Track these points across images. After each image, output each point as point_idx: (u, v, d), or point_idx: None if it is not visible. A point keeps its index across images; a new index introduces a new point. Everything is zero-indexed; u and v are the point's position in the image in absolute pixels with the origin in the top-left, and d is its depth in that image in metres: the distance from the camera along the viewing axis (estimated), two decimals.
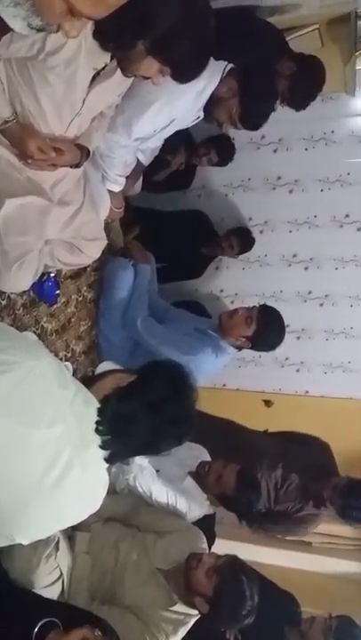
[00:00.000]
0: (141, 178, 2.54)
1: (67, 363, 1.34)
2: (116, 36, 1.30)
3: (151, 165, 2.40)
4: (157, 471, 2.07)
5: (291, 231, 3.36)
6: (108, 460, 1.20)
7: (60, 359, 2.22)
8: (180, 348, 2.37)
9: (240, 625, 1.84)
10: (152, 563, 1.85)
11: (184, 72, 1.42)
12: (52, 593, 1.66)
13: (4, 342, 1.16)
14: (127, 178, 2.25)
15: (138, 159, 2.26)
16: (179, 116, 2.04)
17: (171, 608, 1.77)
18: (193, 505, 2.12)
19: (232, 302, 3.46)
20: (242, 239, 3.17)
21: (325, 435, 3.12)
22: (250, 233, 3.25)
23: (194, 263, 3.32)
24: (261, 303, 2.60)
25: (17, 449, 1.05)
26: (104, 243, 2.03)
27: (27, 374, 1.08)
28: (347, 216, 3.27)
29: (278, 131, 3.15)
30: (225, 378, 3.57)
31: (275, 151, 3.27)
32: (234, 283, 3.52)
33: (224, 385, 3.67)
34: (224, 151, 2.93)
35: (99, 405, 1.20)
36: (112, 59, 1.44)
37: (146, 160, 2.31)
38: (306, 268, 3.41)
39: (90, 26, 1.27)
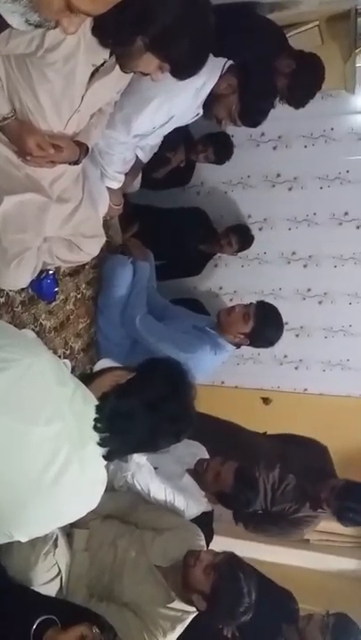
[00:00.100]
0: (140, 175, 2.53)
1: (65, 360, 1.34)
2: (114, 32, 1.29)
3: (150, 162, 2.40)
4: (156, 468, 2.07)
5: (290, 229, 3.36)
6: (106, 457, 1.20)
7: (59, 356, 2.22)
8: (178, 345, 2.37)
9: (238, 622, 1.84)
10: (150, 560, 1.86)
11: (183, 68, 1.42)
12: (51, 590, 1.66)
13: (3, 340, 1.16)
14: (126, 175, 2.24)
15: (137, 156, 2.26)
16: (178, 113, 2.03)
17: (168, 605, 1.78)
18: (191, 502, 2.13)
19: (231, 300, 3.46)
20: (241, 236, 3.16)
21: (324, 432, 3.12)
22: (249, 230, 3.24)
23: (193, 260, 3.32)
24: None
25: (15, 446, 1.05)
26: (103, 240, 2.03)
27: (25, 372, 1.08)
28: (346, 214, 3.27)
29: (278, 128, 3.15)
30: (223, 375, 3.58)
31: (274, 148, 3.26)
32: (233, 280, 3.52)
33: (222, 382, 3.68)
34: (222, 150, 2.92)
35: (97, 403, 1.20)
36: (111, 55, 1.43)
37: (145, 157, 2.31)
38: (305, 266, 3.41)
39: (89, 22, 1.27)
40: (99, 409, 1.19)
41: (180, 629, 1.76)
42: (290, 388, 3.65)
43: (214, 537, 2.27)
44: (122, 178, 2.21)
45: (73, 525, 1.79)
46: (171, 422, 1.25)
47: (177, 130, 2.19)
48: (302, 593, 2.57)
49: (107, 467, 1.23)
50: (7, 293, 1.85)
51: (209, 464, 2.26)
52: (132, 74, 1.54)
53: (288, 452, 2.71)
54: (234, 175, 3.32)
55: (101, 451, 1.18)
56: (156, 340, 2.40)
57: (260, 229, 3.37)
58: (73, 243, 1.87)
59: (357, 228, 3.28)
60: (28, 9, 0.98)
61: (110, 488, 2.00)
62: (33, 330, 2.02)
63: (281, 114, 2.48)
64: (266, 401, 3.66)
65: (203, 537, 2.03)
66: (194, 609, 1.80)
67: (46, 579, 1.65)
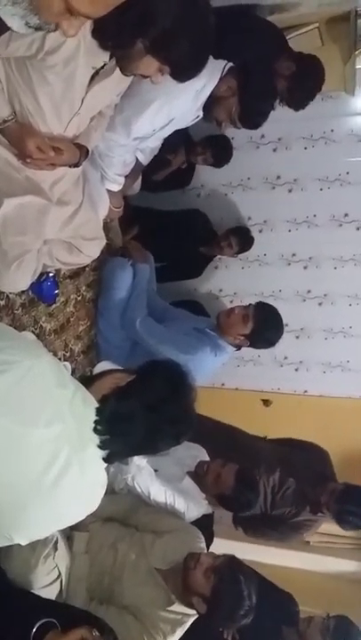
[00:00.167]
0: (140, 177, 2.53)
1: (65, 362, 1.34)
2: (114, 35, 1.29)
3: (150, 165, 2.40)
4: (156, 471, 2.07)
5: (290, 230, 3.36)
6: (106, 459, 1.20)
7: (59, 359, 2.22)
8: (178, 347, 2.37)
9: (238, 625, 1.84)
10: (150, 563, 1.85)
11: (183, 71, 1.42)
12: (51, 593, 1.66)
13: (3, 342, 1.16)
14: (126, 177, 2.24)
15: (137, 159, 2.26)
16: (178, 116, 2.03)
17: (169, 608, 1.77)
18: (191, 505, 2.12)
19: (231, 302, 3.46)
20: (241, 238, 3.16)
21: (324, 434, 3.12)
22: (249, 232, 3.25)
23: (193, 263, 3.32)
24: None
25: (15, 448, 1.05)
26: (103, 242, 2.03)
27: (25, 374, 1.08)
28: (346, 215, 3.27)
29: (278, 130, 3.15)
30: (224, 377, 3.57)
31: (274, 150, 3.26)
32: (233, 282, 3.52)
33: (223, 384, 3.67)
34: (221, 153, 2.92)
35: (97, 405, 1.20)
36: (111, 58, 1.43)
37: (145, 159, 2.31)
38: (305, 268, 3.41)
39: (89, 25, 1.27)
40: (99, 411, 1.19)
41: (180, 632, 1.76)
42: (290, 389, 3.65)
43: (214, 539, 2.27)
44: (122, 180, 2.21)
45: (73, 528, 1.79)
46: (171, 424, 1.25)
47: (177, 132, 2.19)
48: (303, 595, 2.56)
49: (107, 469, 1.23)
50: (7, 296, 1.85)
51: (209, 466, 2.26)
52: (132, 76, 1.54)
53: (288, 457, 2.70)
54: (234, 177, 3.32)
55: (101, 453, 1.18)
56: (156, 341, 2.40)
57: (261, 231, 3.36)
58: (73, 245, 1.87)
59: (357, 229, 3.28)
60: (28, 12, 0.99)
61: (110, 491, 2.00)
62: (33, 332, 2.02)
63: (281, 116, 2.48)
64: (266, 403, 3.66)
65: (203, 539, 2.02)
66: (194, 612, 1.79)
67: (46, 582, 1.64)
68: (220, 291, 3.56)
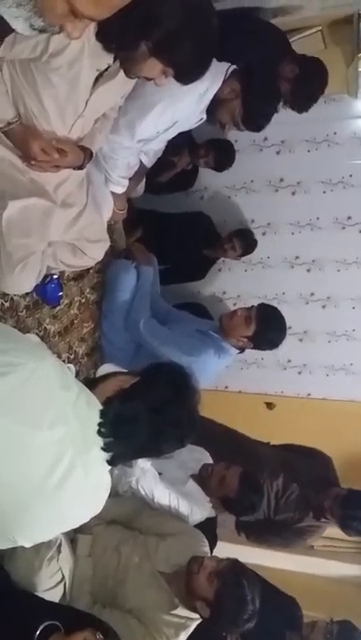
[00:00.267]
0: (144, 179, 2.54)
1: (69, 365, 1.34)
2: (118, 37, 1.30)
3: (154, 167, 2.40)
4: (160, 474, 2.07)
5: (293, 233, 3.36)
6: (110, 462, 1.19)
7: (63, 361, 2.22)
8: (182, 348, 2.37)
9: (241, 629, 1.83)
10: (154, 566, 1.85)
11: (187, 73, 1.42)
12: (54, 596, 1.65)
13: (7, 344, 1.16)
14: (130, 179, 2.24)
15: (141, 161, 2.26)
16: (181, 118, 2.03)
17: (172, 612, 1.77)
18: (195, 507, 2.12)
19: (234, 304, 3.46)
20: (244, 241, 3.16)
21: (327, 437, 3.11)
22: (252, 235, 3.24)
23: (196, 265, 3.32)
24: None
25: (18, 450, 1.05)
26: (107, 244, 2.03)
27: (29, 376, 1.08)
28: (349, 218, 3.26)
29: (281, 132, 3.15)
30: (227, 380, 3.57)
31: (277, 153, 3.27)
32: (236, 285, 3.52)
33: (226, 387, 3.67)
34: (223, 158, 2.92)
35: (101, 407, 1.20)
36: (115, 60, 1.44)
37: (149, 162, 2.31)
38: (308, 270, 3.41)
39: (93, 27, 1.27)
40: (103, 413, 1.18)
41: (183, 636, 1.75)
42: (293, 392, 3.64)
43: (218, 542, 2.26)
44: (126, 182, 2.21)
45: (77, 531, 1.79)
46: (174, 426, 1.24)
47: (180, 134, 2.19)
48: (306, 599, 2.55)
49: (111, 472, 1.23)
50: (12, 298, 1.85)
51: (213, 469, 2.25)
52: (136, 79, 1.54)
53: (291, 462, 2.69)
54: (237, 180, 3.32)
55: (105, 455, 1.18)
56: (159, 343, 2.40)
57: (264, 234, 3.37)
58: (77, 247, 1.87)
59: (360, 232, 3.28)
60: (32, 14, 0.99)
61: (114, 493, 1.99)
62: (37, 334, 2.02)
63: (284, 118, 2.49)
64: (270, 406, 3.65)
65: (207, 543, 2.02)
66: (197, 616, 1.79)
67: (50, 584, 1.64)
68: (224, 293, 3.56)
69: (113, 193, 2.17)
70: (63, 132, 1.54)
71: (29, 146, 1.47)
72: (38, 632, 1.28)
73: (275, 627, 2.24)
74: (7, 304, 1.84)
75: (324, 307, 3.45)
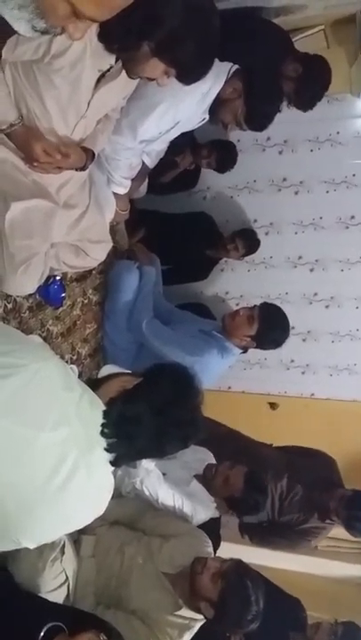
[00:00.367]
0: (146, 180, 2.54)
1: (72, 365, 1.33)
2: (120, 38, 1.30)
3: (157, 168, 2.40)
4: (164, 474, 2.07)
5: (296, 233, 3.36)
6: (113, 462, 1.19)
7: (66, 362, 2.21)
8: (185, 348, 2.37)
9: (245, 630, 1.83)
10: (157, 567, 1.85)
11: (189, 73, 1.42)
12: (58, 597, 1.65)
13: (10, 345, 1.16)
14: (132, 180, 2.24)
15: (143, 162, 2.26)
16: (184, 118, 2.03)
17: (176, 613, 1.76)
18: (199, 508, 2.12)
19: (237, 304, 3.45)
20: (247, 241, 3.16)
21: (331, 437, 3.11)
22: (255, 235, 3.24)
23: (199, 265, 3.32)
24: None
25: (21, 452, 1.05)
26: (109, 245, 2.03)
27: (32, 377, 1.08)
28: (352, 217, 3.26)
29: (284, 132, 3.15)
30: (230, 380, 3.56)
31: (280, 153, 3.26)
32: (239, 285, 3.51)
33: (229, 387, 3.67)
34: (225, 159, 2.92)
35: (104, 408, 1.19)
36: (117, 60, 1.44)
37: (151, 162, 2.31)
38: (311, 270, 3.40)
39: (95, 28, 1.27)
40: (106, 414, 1.18)
41: (187, 637, 1.75)
42: (297, 392, 3.64)
43: (222, 543, 2.26)
44: (128, 183, 2.21)
45: (80, 532, 1.79)
46: (177, 427, 1.24)
47: (182, 134, 2.19)
48: (310, 600, 2.55)
49: (114, 473, 1.22)
50: (15, 299, 1.85)
51: (218, 469, 2.25)
52: (138, 79, 1.55)
53: (295, 463, 2.69)
54: (240, 180, 3.32)
55: (108, 456, 1.17)
56: (162, 343, 2.40)
57: (267, 234, 3.36)
58: (80, 248, 1.87)
59: None
60: (34, 16, 0.98)
61: (117, 494, 1.99)
62: (40, 335, 2.02)
63: (287, 118, 2.48)
64: (273, 406, 3.65)
65: (210, 544, 2.01)
66: (201, 617, 1.78)
67: (54, 586, 1.64)
68: (227, 293, 3.56)
69: (115, 194, 2.17)
70: (65, 133, 1.54)
71: (32, 147, 1.47)
72: (42, 633, 1.28)
73: (279, 627, 2.23)
74: (10, 305, 1.84)
75: (327, 307, 3.44)
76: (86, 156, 1.66)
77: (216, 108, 2.07)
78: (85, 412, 1.15)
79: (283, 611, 2.32)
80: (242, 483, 2.17)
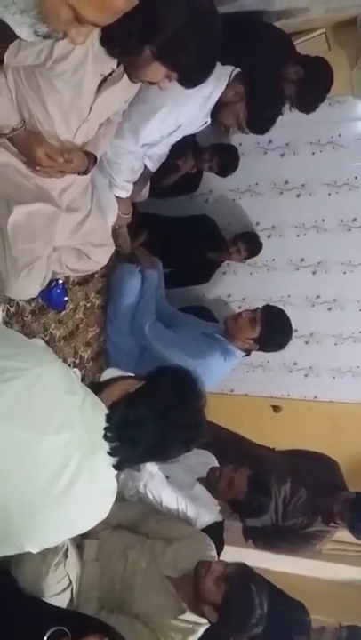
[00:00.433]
0: (149, 184, 2.54)
1: (75, 369, 1.34)
2: (122, 42, 1.30)
3: (159, 171, 2.40)
4: (167, 478, 2.06)
5: (298, 235, 3.35)
6: (116, 466, 1.19)
7: (69, 365, 2.22)
8: (188, 351, 2.37)
9: (249, 634, 1.82)
10: (161, 570, 1.84)
11: (191, 77, 1.43)
12: (61, 601, 1.65)
13: (13, 349, 1.16)
14: (134, 184, 2.25)
15: (145, 165, 2.26)
16: (186, 122, 2.04)
17: (180, 617, 1.76)
18: (203, 511, 2.11)
19: (240, 307, 3.45)
20: (249, 244, 3.16)
21: (334, 439, 3.10)
22: (257, 237, 3.24)
23: (201, 268, 3.31)
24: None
25: (24, 455, 1.05)
26: (112, 249, 2.03)
27: (35, 380, 1.08)
28: (354, 220, 3.25)
29: (285, 135, 3.15)
30: (233, 383, 3.56)
31: (282, 155, 3.26)
32: (241, 288, 3.51)
33: (232, 390, 3.66)
34: (227, 163, 2.92)
35: (107, 411, 1.19)
36: (119, 64, 1.44)
37: (153, 166, 2.31)
38: (314, 273, 3.40)
39: (97, 32, 1.28)
40: (109, 418, 1.18)
41: None
42: (300, 395, 3.63)
43: (225, 546, 2.25)
44: (130, 187, 2.21)
45: (83, 536, 1.79)
46: (180, 430, 1.24)
47: (184, 138, 2.19)
48: (314, 603, 2.54)
49: (117, 476, 1.22)
50: (17, 303, 1.86)
51: (222, 472, 2.25)
52: (139, 83, 1.55)
53: (298, 467, 2.68)
54: (242, 183, 3.32)
55: (111, 460, 1.17)
56: (165, 346, 2.40)
57: (269, 236, 3.36)
58: (82, 252, 1.87)
59: None
60: (36, 20, 0.99)
61: (121, 498, 1.99)
62: (43, 339, 2.02)
63: (288, 121, 2.48)
64: (276, 409, 3.64)
65: (214, 547, 2.01)
66: (205, 620, 1.78)
67: (57, 590, 1.64)
68: (229, 296, 3.55)
69: (117, 197, 2.18)
70: (68, 137, 1.55)
71: (34, 151, 1.48)
72: (46, 638, 1.28)
73: (283, 631, 2.23)
74: (13, 309, 1.84)
75: (329, 309, 3.44)
76: (88, 160, 1.67)
77: (218, 111, 2.08)
78: (88, 416, 1.15)
79: (287, 614, 2.31)
80: (246, 485, 2.17)
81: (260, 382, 3.61)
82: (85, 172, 1.69)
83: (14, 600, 1.52)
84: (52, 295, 2.03)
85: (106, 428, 1.16)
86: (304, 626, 2.42)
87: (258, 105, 2.05)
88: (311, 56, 2.58)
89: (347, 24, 2.92)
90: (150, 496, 2.00)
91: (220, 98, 2.03)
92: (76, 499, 1.10)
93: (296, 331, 2.68)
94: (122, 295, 2.49)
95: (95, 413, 1.17)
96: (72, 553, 1.72)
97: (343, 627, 2.42)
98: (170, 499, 2.03)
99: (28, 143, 1.48)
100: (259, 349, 2.51)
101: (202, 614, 1.78)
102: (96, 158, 1.73)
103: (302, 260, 3.40)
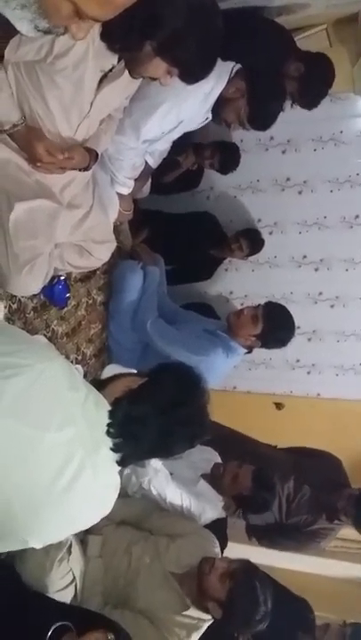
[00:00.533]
0: (150, 180, 2.54)
1: (77, 366, 1.34)
2: (123, 38, 1.30)
3: (160, 167, 2.40)
4: (171, 474, 2.07)
5: (300, 232, 3.35)
6: (119, 462, 1.19)
7: (71, 362, 2.22)
8: (190, 348, 2.37)
9: (253, 630, 1.82)
10: (165, 566, 1.84)
11: (192, 72, 1.42)
12: (65, 597, 1.66)
13: (16, 345, 1.16)
14: (136, 180, 2.25)
15: (146, 162, 2.26)
16: (187, 118, 2.03)
17: (184, 613, 1.76)
18: (207, 507, 2.12)
19: (242, 304, 3.43)
20: (251, 241, 3.15)
21: (337, 437, 3.09)
22: (259, 234, 3.23)
23: (203, 265, 3.31)
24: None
25: (27, 452, 1.05)
26: (113, 245, 2.03)
27: (37, 377, 1.08)
28: (357, 217, 3.25)
29: (287, 132, 3.14)
30: (235, 380, 3.56)
31: (283, 152, 3.26)
32: (243, 285, 3.51)
33: (235, 387, 3.66)
34: (228, 161, 2.92)
35: (110, 408, 1.19)
36: (119, 60, 1.44)
37: (154, 162, 2.31)
38: (316, 270, 3.39)
39: (97, 27, 1.28)
40: (111, 414, 1.18)
41: (195, 637, 1.75)
42: (303, 392, 3.63)
43: (228, 543, 2.25)
44: (131, 183, 2.21)
45: (87, 532, 1.79)
46: (183, 426, 1.24)
47: (185, 134, 2.19)
48: (318, 601, 2.54)
49: (120, 472, 1.22)
50: (19, 300, 1.86)
51: (226, 467, 2.25)
52: (140, 79, 1.55)
53: (301, 465, 2.68)
54: (243, 179, 3.31)
55: (114, 456, 1.17)
56: (167, 343, 2.40)
57: (271, 233, 3.35)
58: (84, 248, 1.87)
59: None
60: (36, 15, 0.99)
61: (124, 494, 1.99)
62: (45, 336, 2.02)
63: (290, 117, 2.48)
64: (279, 406, 3.64)
65: (217, 544, 2.01)
66: (209, 617, 1.78)
67: (61, 585, 1.64)
68: (231, 293, 3.55)
69: (119, 194, 2.18)
70: (68, 133, 1.55)
71: (34, 148, 1.48)
72: (50, 633, 1.28)
73: (287, 628, 2.23)
74: (15, 306, 1.84)
75: (332, 306, 3.43)
76: (89, 157, 1.67)
77: (219, 107, 2.07)
78: (91, 413, 1.15)
79: (291, 611, 2.31)
80: (250, 481, 2.17)
81: (262, 379, 3.61)
82: (86, 169, 1.69)
83: (18, 596, 1.52)
84: (54, 292, 2.03)
85: (108, 425, 1.16)
86: (308, 623, 2.41)
87: (259, 101, 2.05)
88: (312, 52, 2.57)
89: (348, 20, 2.92)
90: (155, 492, 2.00)
91: (221, 94, 2.02)
92: (79, 495, 1.10)
93: (299, 328, 2.68)
94: (124, 292, 2.49)
95: (98, 410, 1.17)
96: (76, 549, 1.72)
97: (348, 624, 2.42)
98: (174, 495, 2.03)
99: (28, 139, 1.48)
100: (261, 346, 2.51)
101: (206, 610, 1.78)
102: (97, 154, 1.73)
103: (304, 256, 3.39)
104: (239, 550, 2.37)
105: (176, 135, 2.13)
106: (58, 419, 1.08)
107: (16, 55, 1.30)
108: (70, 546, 1.69)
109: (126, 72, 1.48)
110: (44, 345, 1.50)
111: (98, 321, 2.50)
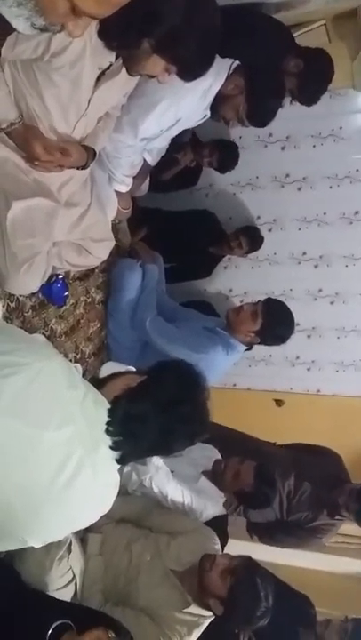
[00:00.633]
0: (148, 178, 2.53)
1: (76, 364, 1.33)
2: (120, 35, 1.29)
3: (158, 165, 2.40)
4: (172, 472, 2.07)
5: (300, 229, 3.34)
6: (119, 460, 1.19)
7: (70, 361, 2.22)
8: (190, 346, 2.36)
9: (254, 627, 1.83)
10: (165, 564, 1.85)
11: (190, 70, 1.42)
12: (66, 595, 1.66)
13: (14, 344, 1.16)
14: (134, 178, 2.24)
15: (144, 159, 2.26)
16: (185, 116, 2.03)
17: (185, 610, 1.77)
18: (208, 503, 2.12)
19: (241, 301, 3.43)
20: (250, 238, 3.15)
21: (338, 433, 3.10)
22: (258, 231, 3.23)
23: (202, 263, 3.31)
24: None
25: (26, 451, 1.05)
26: (112, 244, 2.03)
27: (36, 376, 1.08)
28: (356, 213, 3.24)
29: (286, 128, 3.13)
30: (235, 377, 3.56)
31: (282, 149, 3.25)
32: (243, 282, 3.51)
33: (234, 385, 3.66)
34: (226, 160, 2.92)
35: (109, 406, 1.19)
36: (117, 58, 1.43)
37: (153, 160, 2.31)
38: (316, 266, 3.39)
39: (94, 25, 1.27)
40: (110, 412, 1.18)
41: (196, 634, 1.75)
42: (303, 389, 3.63)
43: (229, 540, 2.25)
44: (130, 181, 2.21)
45: (87, 530, 1.79)
46: (183, 424, 1.24)
47: (184, 131, 2.18)
48: (319, 596, 2.54)
49: (120, 470, 1.22)
50: (17, 298, 1.85)
51: (227, 464, 2.26)
52: (138, 77, 1.54)
53: (301, 461, 2.68)
54: (242, 176, 3.30)
55: (114, 454, 1.17)
56: (166, 341, 2.39)
57: (270, 230, 3.35)
58: (82, 247, 1.87)
59: None
60: (33, 13, 0.98)
61: (124, 492, 1.99)
62: (43, 334, 2.02)
63: (289, 114, 2.47)
64: (279, 403, 3.64)
65: (218, 541, 2.01)
66: (210, 613, 1.79)
67: (61, 584, 1.64)
68: (230, 291, 3.55)
69: (117, 192, 2.17)
70: (66, 131, 1.54)
71: (32, 146, 1.47)
72: (50, 631, 1.28)
73: (288, 624, 2.23)
74: (13, 304, 1.84)
75: (332, 302, 3.43)
76: (87, 155, 1.66)
77: (217, 104, 2.07)
78: (90, 411, 1.15)
79: (292, 607, 2.32)
80: (252, 477, 2.17)
81: (262, 376, 3.61)
82: (84, 167, 1.69)
83: (18, 594, 1.52)
84: (53, 290, 2.03)
85: (108, 423, 1.16)
86: (309, 619, 2.42)
87: (258, 98, 2.04)
88: (311, 48, 2.56)
89: (347, 16, 2.91)
90: (156, 490, 2.00)
91: (219, 91, 2.02)
92: (78, 493, 1.10)
93: (298, 324, 2.68)
94: (122, 290, 2.49)
95: (97, 408, 1.17)
96: (75, 547, 1.73)
97: (349, 619, 2.42)
98: (175, 492, 2.03)
99: (26, 138, 1.47)
100: (260, 342, 2.50)
101: (207, 607, 1.78)
102: (95, 152, 1.72)
103: (304, 253, 3.39)
104: (240, 547, 2.37)
105: (174, 133, 2.13)
106: (57, 417, 1.08)
107: (13, 53, 1.29)
108: (70, 544, 1.69)
109: (124, 70, 1.47)
110: (43, 344, 1.50)
111: (97, 319, 2.50)
